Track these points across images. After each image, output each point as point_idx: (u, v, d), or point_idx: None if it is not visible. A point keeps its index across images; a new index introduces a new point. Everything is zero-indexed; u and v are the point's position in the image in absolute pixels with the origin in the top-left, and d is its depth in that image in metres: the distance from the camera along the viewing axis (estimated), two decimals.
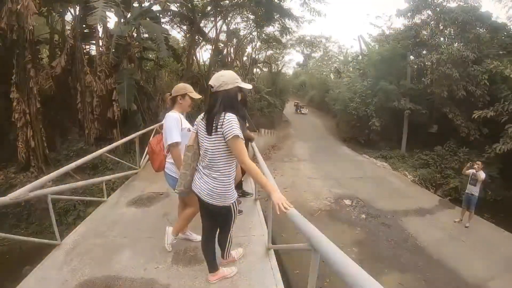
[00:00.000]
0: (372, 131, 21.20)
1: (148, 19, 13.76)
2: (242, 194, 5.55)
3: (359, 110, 21.90)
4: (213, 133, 2.56)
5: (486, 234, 9.62)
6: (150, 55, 18.41)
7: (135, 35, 14.39)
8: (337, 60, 42.68)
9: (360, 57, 29.07)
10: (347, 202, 11.32)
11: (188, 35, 21.48)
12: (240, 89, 2.72)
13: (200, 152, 2.80)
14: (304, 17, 19.80)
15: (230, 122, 2.46)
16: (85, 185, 6.87)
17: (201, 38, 20.64)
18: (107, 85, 12.27)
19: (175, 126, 3.44)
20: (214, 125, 2.54)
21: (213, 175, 2.67)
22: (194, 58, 21.90)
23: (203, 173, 2.75)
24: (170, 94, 3.68)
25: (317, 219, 9.72)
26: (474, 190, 9.53)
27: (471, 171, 9.60)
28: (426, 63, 19.28)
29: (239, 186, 5.44)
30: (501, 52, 16.64)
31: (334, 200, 11.31)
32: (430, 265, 7.86)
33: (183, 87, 3.67)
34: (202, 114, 2.82)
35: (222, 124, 2.49)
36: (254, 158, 5.03)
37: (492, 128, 15.56)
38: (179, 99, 3.61)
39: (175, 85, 3.79)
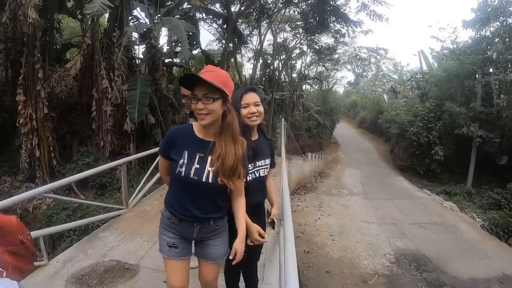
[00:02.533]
0: (434, 161, 18.15)
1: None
2: None
3: (420, 135, 19.02)
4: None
5: None
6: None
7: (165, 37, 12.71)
8: (391, 79, 39.92)
9: (419, 75, 25.96)
10: (412, 262, 8.68)
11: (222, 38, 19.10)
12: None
13: None
14: (363, 21, 16.87)
15: None
16: None
17: (238, 40, 18.10)
18: (122, 92, 10.39)
19: None
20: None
21: None
22: (235, 66, 19.90)
23: None
24: None
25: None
26: None
27: None
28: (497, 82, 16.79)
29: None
30: None
31: (395, 259, 8.64)
32: None
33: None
34: None
35: None
36: None
37: None
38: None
39: None
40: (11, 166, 10.93)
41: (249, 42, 20.62)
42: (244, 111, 2.43)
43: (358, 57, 27.97)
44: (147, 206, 5.74)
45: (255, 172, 2.49)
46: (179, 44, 10.72)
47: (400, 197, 14.70)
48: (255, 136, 2.59)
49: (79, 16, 12.51)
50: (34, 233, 3.76)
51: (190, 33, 10.26)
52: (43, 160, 10.47)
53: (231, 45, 16.91)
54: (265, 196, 2.68)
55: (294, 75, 27.95)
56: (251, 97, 2.46)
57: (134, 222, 4.73)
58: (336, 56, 25.17)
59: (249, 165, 2.38)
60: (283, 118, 14.06)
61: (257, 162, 2.49)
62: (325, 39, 21.73)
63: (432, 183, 18.13)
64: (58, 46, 13.27)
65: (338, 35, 19.25)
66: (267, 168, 2.60)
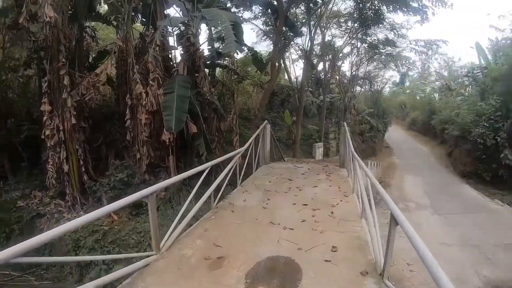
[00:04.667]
0: (503, 165, 15.94)
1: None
2: None
3: (486, 137, 16.72)
4: None
5: None
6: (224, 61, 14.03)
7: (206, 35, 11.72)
8: (441, 76, 37.30)
9: (476, 69, 23.52)
10: None
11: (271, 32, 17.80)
12: None
13: None
14: (427, 6, 14.79)
15: None
16: None
17: (290, 33, 16.59)
18: (158, 97, 9.26)
19: None
20: None
21: None
22: (284, 67, 18.71)
23: None
24: None
25: None
26: None
27: None
28: None
29: None
30: None
31: None
32: None
33: None
34: None
35: None
36: None
37: None
38: None
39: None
40: (43, 180, 10.26)
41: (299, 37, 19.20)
42: None
43: (414, 51, 25.83)
44: (187, 248, 4.11)
45: None
46: (222, 38, 9.58)
47: (474, 210, 12.81)
48: None
49: (114, 23, 11.90)
50: None
51: (233, 21, 9.03)
52: (72, 175, 9.74)
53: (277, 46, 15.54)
54: None
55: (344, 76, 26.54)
56: None
57: (166, 278, 3.37)
58: (386, 52, 23.36)
59: None
60: (345, 123, 12.64)
61: None
62: (381, 31, 20.06)
63: (502, 191, 15.87)
64: (93, 54, 12.87)
65: (396, 26, 17.78)
66: None
